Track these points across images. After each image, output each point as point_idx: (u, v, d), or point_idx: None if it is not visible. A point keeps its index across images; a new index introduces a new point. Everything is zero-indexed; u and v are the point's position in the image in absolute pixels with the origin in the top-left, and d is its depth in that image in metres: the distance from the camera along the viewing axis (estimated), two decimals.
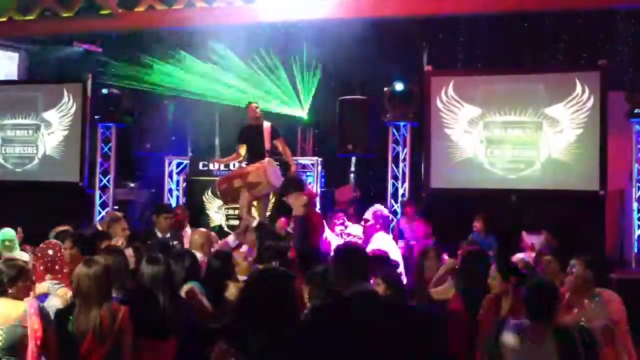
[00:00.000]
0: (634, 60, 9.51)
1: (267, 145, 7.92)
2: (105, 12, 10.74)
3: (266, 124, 8.04)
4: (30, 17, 11.07)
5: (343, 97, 9.73)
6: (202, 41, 10.49)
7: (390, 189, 9.50)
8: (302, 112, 11.03)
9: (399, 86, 9.35)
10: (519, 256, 7.05)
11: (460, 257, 5.42)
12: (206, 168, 9.85)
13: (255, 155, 7.92)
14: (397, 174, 9.52)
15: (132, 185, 11.19)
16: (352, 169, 10.54)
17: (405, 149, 9.53)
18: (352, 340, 2.79)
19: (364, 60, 9.48)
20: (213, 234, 6.94)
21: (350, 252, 3.31)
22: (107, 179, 10.48)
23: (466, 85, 9.28)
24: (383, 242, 6.13)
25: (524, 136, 9.03)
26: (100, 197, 10.45)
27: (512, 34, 9.10)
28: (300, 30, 9.97)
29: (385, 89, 9.42)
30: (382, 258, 5.48)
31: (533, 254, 7.63)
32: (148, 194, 10.75)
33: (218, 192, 8.09)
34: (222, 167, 9.56)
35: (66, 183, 10.37)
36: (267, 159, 7.79)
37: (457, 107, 9.26)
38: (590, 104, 8.78)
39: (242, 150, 8.05)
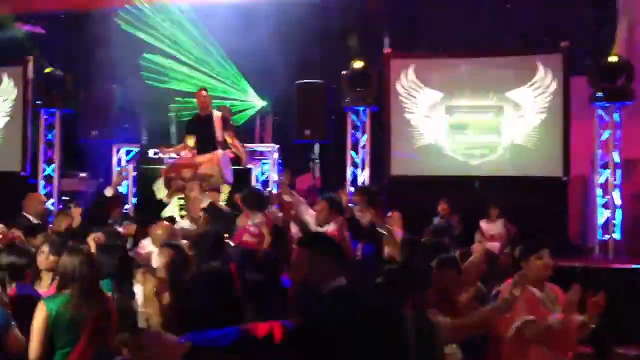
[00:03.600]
0: (596, 43, 9.31)
1: (219, 136, 7.51)
2: None
3: (217, 113, 7.63)
4: None
5: (299, 81, 9.31)
6: (149, 22, 9.94)
7: (349, 176, 9.14)
8: (259, 99, 10.58)
9: (357, 69, 8.96)
10: (480, 245, 6.83)
11: None
12: (157, 156, 9.32)
13: (206, 146, 7.48)
14: (357, 160, 9.18)
15: (82, 175, 10.59)
16: (314, 156, 10.14)
17: (365, 135, 9.17)
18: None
19: (322, 41, 9.07)
20: (177, 227, 6.51)
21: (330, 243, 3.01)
22: (51, 168, 9.89)
23: (427, 68, 8.99)
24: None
25: (486, 121, 8.79)
26: (45, 187, 9.85)
27: (474, 16, 8.80)
28: (255, 10, 9.51)
29: (343, 72, 9.04)
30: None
31: (496, 244, 7.46)
32: (96, 184, 10.16)
33: (163, 180, 7.57)
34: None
35: (6, 173, 9.74)
36: (220, 150, 7.38)
37: (418, 91, 8.96)
38: (552, 87, 8.57)
39: (190, 141, 7.55)
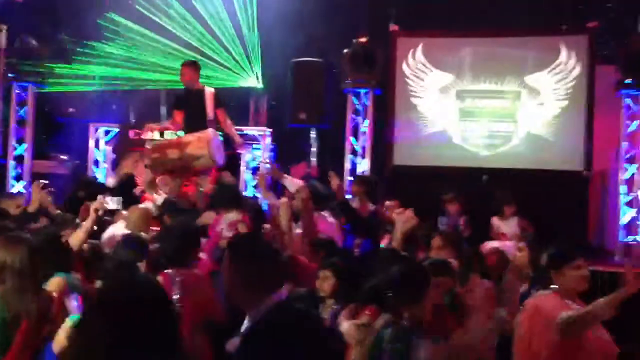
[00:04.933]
0: (622, 26, 8.44)
1: (210, 114, 6.81)
2: None
3: (209, 89, 6.96)
4: None
5: (296, 60, 8.46)
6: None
7: (348, 165, 8.32)
8: (253, 79, 9.70)
9: (359, 48, 8.11)
10: (492, 244, 6.07)
11: None
12: (138, 137, 8.49)
13: (194, 124, 6.85)
14: (357, 148, 8.35)
15: (60, 156, 9.74)
16: (312, 142, 9.29)
17: (366, 120, 8.34)
18: None
19: (321, 16, 8.19)
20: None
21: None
22: (22, 147, 9.05)
23: (437, 48, 8.16)
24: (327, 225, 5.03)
25: (501, 108, 7.97)
26: (16, 168, 9.02)
27: None
28: None
29: (345, 50, 8.18)
30: (328, 244, 4.40)
31: (509, 242, 6.67)
32: (72, 166, 9.35)
33: (147, 162, 6.81)
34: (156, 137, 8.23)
35: None
36: (211, 129, 6.66)
37: (427, 73, 8.14)
38: (576, 72, 7.74)
39: (179, 117, 6.94)
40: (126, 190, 5.94)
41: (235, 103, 9.24)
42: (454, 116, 8.04)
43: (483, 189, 7.81)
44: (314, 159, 8.91)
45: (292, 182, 5.30)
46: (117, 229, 4.90)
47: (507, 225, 7.11)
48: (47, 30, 9.13)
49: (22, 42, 8.92)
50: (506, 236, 6.95)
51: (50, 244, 3.45)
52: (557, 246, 3.56)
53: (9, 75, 8.96)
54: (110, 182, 5.05)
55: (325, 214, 5.27)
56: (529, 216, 7.02)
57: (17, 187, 8.90)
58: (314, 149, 8.91)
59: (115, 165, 8.86)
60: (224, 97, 7.25)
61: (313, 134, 8.87)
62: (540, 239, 5.78)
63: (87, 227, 4.11)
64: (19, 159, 9.06)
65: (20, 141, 9.05)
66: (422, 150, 8.13)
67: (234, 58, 9.39)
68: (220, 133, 8.07)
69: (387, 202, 6.24)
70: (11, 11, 9.30)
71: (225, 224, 4.79)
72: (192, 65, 7.15)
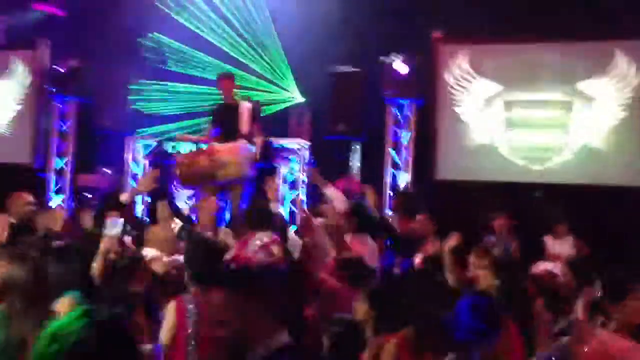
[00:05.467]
0: None
1: (245, 128, 6.59)
2: None
3: (246, 104, 6.72)
4: None
5: (334, 70, 8.17)
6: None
7: (388, 180, 7.95)
8: (294, 90, 9.43)
9: (400, 56, 7.76)
10: (544, 266, 5.60)
11: None
12: (176, 151, 8.37)
13: (229, 138, 6.72)
14: (397, 161, 7.97)
15: (106, 170, 9.73)
16: (352, 155, 8.95)
17: (408, 132, 7.96)
18: None
19: (360, 25, 7.86)
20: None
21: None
22: (63, 160, 9.08)
23: (483, 55, 7.72)
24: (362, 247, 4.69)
25: (552, 118, 7.45)
26: (57, 182, 9.05)
27: None
28: None
29: (385, 59, 7.84)
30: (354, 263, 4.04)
31: (559, 264, 6.17)
32: (113, 180, 9.31)
33: (177, 171, 6.67)
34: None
35: (16, 165, 8.97)
36: (241, 140, 6.46)
37: (471, 81, 7.70)
38: (635, 81, 7.15)
39: (213, 130, 6.80)
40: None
41: (277, 116, 9.04)
42: (501, 127, 7.58)
43: (533, 205, 7.31)
44: (354, 173, 8.58)
45: (335, 194, 4.97)
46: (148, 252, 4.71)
47: (560, 245, 6.61)
48: (89, 44, 9.15)
49: (64, 56, 8.98)
50: (560, 257, 6.46)
51: (62, 262, 3.24)
52: (614, 272, 3.14)
53: (51, 88, 9.02)
54: (124, 197, 4.87)
55: (365, 236, 4.93)
56: (584, 235, 6.51)
57: (57, 200, 8.92)
58: (356, 163, 8.56)
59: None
60: (260, 111, 7.05)
61: (357, 147, 8.51)
62: (594, 262, 5.32)
63: (101, 252, 3.89)
64: (60, 172, 9.09)
65: (60, 154, 9.09)
66: (466, 163, 7.69)
67: (274, 69, 9.17)
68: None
69: (418, 217, 5.88)
70: (54, 26, 9.38)
71: (255, 245, 4.46)
72: (228, 78, 6.98)
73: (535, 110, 7.51)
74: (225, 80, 6.89)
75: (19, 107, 9.13)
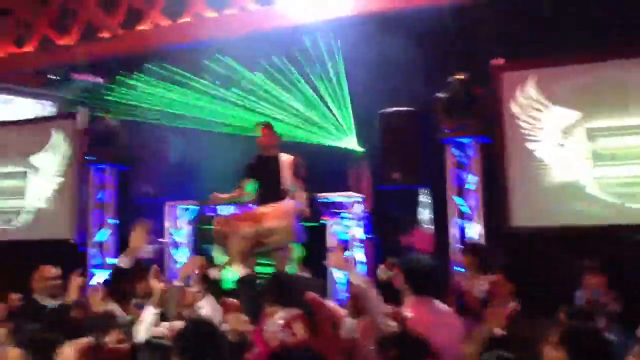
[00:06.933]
0: None
1: (287, 183, 5.88)
2: (106, 34, 9.17)
3: (287, 156, 5.99)
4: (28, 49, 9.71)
5: (383, 111, 7.28)
6: (210, 60, 8.39)
7: (454, 231, 6.85)
8: (348, 139, 8.51)
9: (456, 89, 6.77)
10: None
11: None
12: (214, 214, 7.63)
13: (268, 195, 5.94)
14: (464, 209, 6.87)
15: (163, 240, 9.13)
16: (420, 205, 7.88)
17: (473, 175, 6.87)
18: None
19: (409, 58, 6.95)
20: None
21: None
22: (102, 233, 8.52)
23: (554, 79, 6.62)
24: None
25: None
26: (101, 256, 8.48)
27: (617, 3, 6.35)
28: (325, 33, 7.69)
29: (439, 94, 6.88)
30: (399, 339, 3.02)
31: None
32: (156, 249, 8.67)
33: (213, 235, 5.98)
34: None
35: (56, 241, 8.51)
36: (288, 200, 5.76)
37: (543, 110, 6.61)
38: None
39: (247, 186, 6.03)
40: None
41: (331, 167, 8.15)
42: (586, 161, 6.37)
43: (633, 251, 6.02)
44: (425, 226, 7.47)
45: (357, 277, 4.01)
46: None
47: None
48: (126, 110, 8.75)
49: (101, 123, 8.59)
50: None
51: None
52: None
53: (88, 157, 8.60)
54: (123, 261, 4.21)
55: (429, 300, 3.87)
56: None
57: (98, 277, 8.31)
58: (426, 214, 7.47)
59: (194, 245, 8.09)
60: (302, 164, 6.23)
61: (424, 198, 7.43)
62: None
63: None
64: (100, 246, 8.53)
65: (100, 226, 8.56)
66: (547, 206, 6.51)
67: (327, 116, 8.33)
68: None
69: (492, 276, 4.80)
70: (91, 92, 9.08)
71: (276, 323, 3.60)
72: (267, 126, 6.28)
73: (625, 138, 6.27)
74: (264, 128, 6.20)
75: (56, 179, 8.74)
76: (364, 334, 3.36)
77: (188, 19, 8.78)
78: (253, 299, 4.55)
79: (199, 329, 3.00)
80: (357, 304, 3.65)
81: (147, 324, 3.71)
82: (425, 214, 7.53)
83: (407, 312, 3.41)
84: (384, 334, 3.19)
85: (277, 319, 3.57)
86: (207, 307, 5.07)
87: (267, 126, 6.31)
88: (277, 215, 5.73)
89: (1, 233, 8.83)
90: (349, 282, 5.72)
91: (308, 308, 3.51)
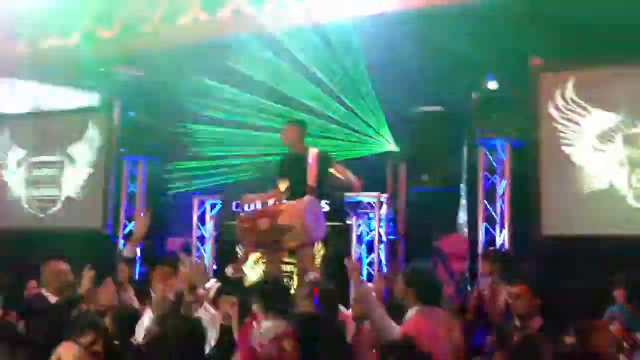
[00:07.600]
0: None
1: (311, 180, 5.71)
2: (147, 30, 9.25)
3: (311, 151, 5.83)
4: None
5: (414, 111, 7.11)
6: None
7: (482, 236, 6.61)
8: (388, 143, 8.30)
9: (491, 90, 6.55)
10: None
11: None
12: (240, 209, 7.58)
13: (296, 192, 5.80)
14: (493, 214, 6.63)
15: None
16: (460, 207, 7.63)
17: (504, 180, 6.63)
18: None
19: (441, 58, 6.75)
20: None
21: None
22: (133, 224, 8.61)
23: (594, 82, 6.35)
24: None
25: None
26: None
27: None
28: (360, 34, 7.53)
29: (473, 95, 6.67)
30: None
31: None
32: (182, 243, 8.71)
33: (238, 233, 5.90)
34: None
35: (88, 230, 8.64)
36: (307, 197, 5.57)
37: (581, 114, 6.33)
38: None
39: (282, 186, 5.90)
40: None
41: (370, 171, 7.96)
42: (623, 168, 6.06)
43: None
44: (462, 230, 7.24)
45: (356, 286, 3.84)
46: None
47: None
48: (160, 105, 8.81)
49: (134, 116, 8.69)
50: None
51: None
52: None
53: (121, 150, 8.71)
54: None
55: (434, 310, 3.71)
56: None
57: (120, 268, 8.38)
58: (463, 217, 7.24)
59: (217, 239, 8.07)
60: (331, 160, 6.09)
61: (460, 201, 7.20)
62: None
63: None
64: (129, 237, 8.61)
65: (130, 218, 8.65)
66: (581, 213, 6.23)
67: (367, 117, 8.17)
68: (328, 201, 6.93)
69: (514, 287, 4.51)
70: (125, 85, 9.16)
71: (265, 335, 3.37)
72: (295, 125, 6.15)
73: None
74: (291, 127, 6.09)
75: (91, 170, 8.87)
76: (366, 339, 3.23)
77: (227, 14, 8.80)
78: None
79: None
80: (359, 309, 3.52)
81: (142, 328, 3.69)
82: (460, 218, 7.32)
83: (410, 321, 3.27)
84: (384, 340, 3.06)
85: (266, 327, 3.40)
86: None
87: (294, 123, 6.20)
88: (291, 213, 5.49)
89: (38, 221, 9.01)
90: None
91: (295, 318, 3.39)
